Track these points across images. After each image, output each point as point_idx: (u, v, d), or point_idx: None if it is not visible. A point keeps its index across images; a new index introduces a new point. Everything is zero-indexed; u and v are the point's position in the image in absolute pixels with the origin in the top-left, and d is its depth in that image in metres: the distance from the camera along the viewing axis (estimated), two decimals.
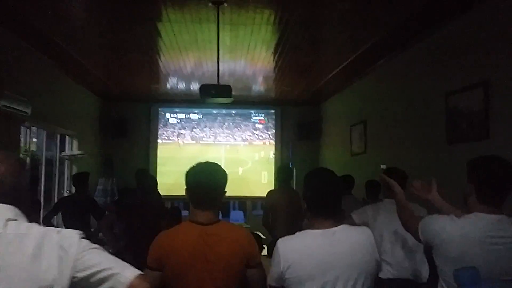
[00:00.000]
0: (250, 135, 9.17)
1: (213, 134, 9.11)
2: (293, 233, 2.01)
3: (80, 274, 1.38)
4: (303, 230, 2.02)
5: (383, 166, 5.56)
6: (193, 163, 2.18)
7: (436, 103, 4.34)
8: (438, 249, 2.02)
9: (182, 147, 8.99)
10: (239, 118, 9.17)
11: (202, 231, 2.05)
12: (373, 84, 6.25)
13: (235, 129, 9.16)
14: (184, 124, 9.08)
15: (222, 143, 9.13)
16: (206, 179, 2.10)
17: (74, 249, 1.40)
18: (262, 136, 9.17)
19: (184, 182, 2.16)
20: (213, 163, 2.22)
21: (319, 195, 1.98)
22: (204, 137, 9.08)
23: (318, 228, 1.94)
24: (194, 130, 9.09)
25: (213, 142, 9.10)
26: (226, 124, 9.15)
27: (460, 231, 1.96)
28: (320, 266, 1.86)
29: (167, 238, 2.08)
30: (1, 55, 4.64)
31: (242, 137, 9.16)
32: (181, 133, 9.07)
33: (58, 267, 1.36)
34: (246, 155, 9.11)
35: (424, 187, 2.43)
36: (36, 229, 1.43)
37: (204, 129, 9.10)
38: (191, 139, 9.08)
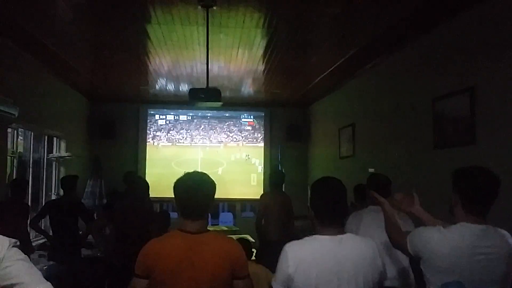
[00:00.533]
0: (239, 137, 9.17)
1: (200, 135, 9.10)
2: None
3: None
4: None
5: (371, 170, 5.64)
6: (179, 171, 2.18)
7: (423, 107, 4.38)
8: (427, 261, 2.04)
9: (163, 148, 8.98)
10: (228, 120, 9.17)
11: (190, 240, 2.05)
12: (362, 87, 6.29)
13: (225, 131, 9.16)
14: (173, 125, 9.05)
15: (206, 144, 9.13)
16: (195, 190, 2.10)
17: (0, 256, 1.51)
18: (251, 138, 9.17)
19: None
20: (201, 173, 2.22)
21: (327, 204, 2.03)
22: (181, 139, 9.07)
23: (325, 235, 1.99)
24: (181, 131, 9.06)
25: (195, 144, 9.09)
26: (210, 126, 9.14)
27: (448, 242, 2.00)
28: (327, 272, 1.90)
29: (155, 246, 2.08)
30: None
31: (230, 138, 9.16)
32: (169, 135, 9.04)
33: None
34: (225, 157, 9.11)
35: (406, 200, 2.45)
36: None
37: (191, 130, 9.08)
38: (177, 140, 9.05)
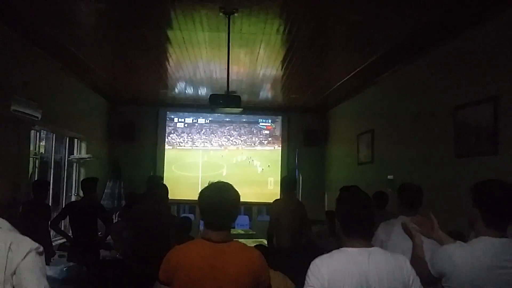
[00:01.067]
0: (256, 141, 9.19)
1: (217, 139, 9.15)
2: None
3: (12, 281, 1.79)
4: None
5: (390, 177, 5.60)
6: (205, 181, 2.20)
7: (444, 115, 4.34)
8: (450, 277, 2.01)
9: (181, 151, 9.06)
10: (246, 124, 9.20)
11: (213, 249, 2.05)
12: (382, 93, 6.25)
13: (243, 135, 9.19)
14: (191, 129, 9.11)
15: (224, 148, 9.17)
16: (219, 201, 2.10)
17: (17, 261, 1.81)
18: (269, 142, 9.19)
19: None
20: (226, 183, 2.21)
21: (356, 216, 2.00)
22: (200, 142, 9.13)
23: (353, 247, 1.97)
24: (199, 134, 9.13)
25: (217, 147, 9.14)
26: (232, 130, 9.18)
27: (470, 257, 1.98)
28: (357, 285, 1.88)
29: (178, 254, 2.08)
30: (12, 59, 4.69)
31: (248, 142, 9.19)
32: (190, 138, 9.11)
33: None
34: (252, 160, 9.14)
35: (425, 224, 2.34)
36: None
37: (210, 134, 9.14)
38: (196, 144, 9.12)
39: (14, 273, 1.83)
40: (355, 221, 2.00)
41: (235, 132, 9.19)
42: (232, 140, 9.18)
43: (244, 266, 2.04)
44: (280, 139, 9.13)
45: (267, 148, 9.20)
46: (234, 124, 9.17)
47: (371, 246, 1.99)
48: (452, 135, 4.21)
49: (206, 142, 9.13)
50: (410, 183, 3.30)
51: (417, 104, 5.06)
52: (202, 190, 2.17)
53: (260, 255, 2.15)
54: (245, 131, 9.20)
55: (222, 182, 2.22)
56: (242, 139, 9.20)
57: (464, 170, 3.99)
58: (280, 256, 4.37)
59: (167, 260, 2.07)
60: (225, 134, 9.17)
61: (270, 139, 9.20)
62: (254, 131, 9.21)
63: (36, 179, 5.58)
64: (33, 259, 1.85)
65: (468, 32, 4.04)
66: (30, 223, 4.32)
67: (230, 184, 2.19)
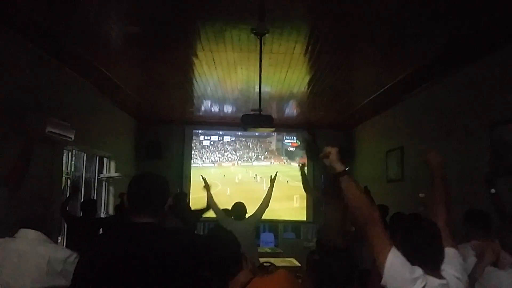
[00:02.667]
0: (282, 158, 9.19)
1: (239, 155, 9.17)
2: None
3: None
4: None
5: (421, 195, 5.48)
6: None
7: (479, 133, 4.26)
8: None
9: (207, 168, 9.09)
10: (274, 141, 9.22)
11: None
12: (411, 109, 6.17)
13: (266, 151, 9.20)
14: (217, 146, 9.16)
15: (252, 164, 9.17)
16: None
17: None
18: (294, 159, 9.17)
19: None
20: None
21: (422, 248, 1.88)
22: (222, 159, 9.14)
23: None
24: (225, 151, 9.16)
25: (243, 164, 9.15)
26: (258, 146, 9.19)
27: None
28: None
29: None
30: (46, 81, 4.81)
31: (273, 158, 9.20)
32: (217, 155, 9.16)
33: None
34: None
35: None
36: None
37: (237, 151, 9.17)
38: (222, 160, 9.15)
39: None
40: (421, 253, 1.86)
41: (261, 148, 9.19)
42: (257, 156, 9.20)
43: None
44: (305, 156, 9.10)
45: (293, 164, 9.16)
46: (260, 139, 9.19)
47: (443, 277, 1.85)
48: (488, 153, 4.12)
49: (232, 159, 9.15)
50: (476, 209, 3.27)
51: (449, 120, 4.98)
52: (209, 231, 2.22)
53: (291, 276, 2.06)
54: (271, 147, 9.20)
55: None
56: (268, 155, 9.20)
57: (500, 190, 3.88)
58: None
59: None
60: (251, 150, 9.19)
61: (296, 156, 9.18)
62: (280, 148, 9.21)
63: (82, 199, 5.76)
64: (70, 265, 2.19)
65: (504, 47, 3.98)
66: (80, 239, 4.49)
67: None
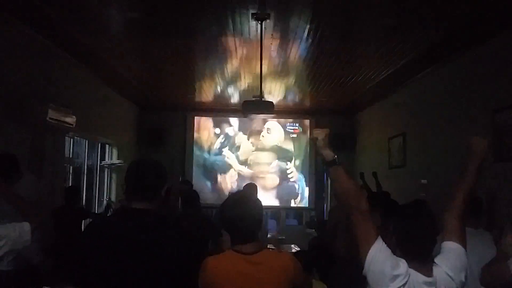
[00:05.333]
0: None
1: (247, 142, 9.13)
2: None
3: None
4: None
5: (424, 181, 5.49)
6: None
7: (482, 118, 4.23)
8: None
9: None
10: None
11: (246, 260, 2.02)
12: (413, 95, 6.14)
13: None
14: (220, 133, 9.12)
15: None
16: (239, 215, 2.05)
17: None
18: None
19: None
20: (245, 194, 2.19)
21: (416, 242, 1.80)
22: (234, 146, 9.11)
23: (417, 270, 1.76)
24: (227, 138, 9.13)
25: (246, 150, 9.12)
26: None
27: None
28: None
29: (213, 265, 2.03)
30: (47, 68, 4.80)
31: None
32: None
33: None
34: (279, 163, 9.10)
35: None
36: None
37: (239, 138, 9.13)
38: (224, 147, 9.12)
39: None
40: (415, 246, 1.79)
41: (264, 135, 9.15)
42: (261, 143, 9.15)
43: (280, 273, 2.01)
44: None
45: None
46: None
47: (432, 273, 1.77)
48: (491, 138, 4.09)
49: (234, 147, 9.12)
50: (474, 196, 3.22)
51: (452, 106, 4.95)
52: (222, 205, 2.15)
53: (292, 258, 2.11)
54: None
55: (241, 193, 2.19)
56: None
57: (504, 175, 3.88)
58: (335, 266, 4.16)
59: (205, 270, 2.01)
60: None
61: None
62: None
63: (69, 185, 5.66)
64: None
65: (507, 31, 3.93)
66: (64, 228, 4.41)
67: (251, 194, 2.17)
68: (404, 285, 1.70)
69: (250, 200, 2.15)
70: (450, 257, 1.80)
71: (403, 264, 1.73)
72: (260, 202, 2.17)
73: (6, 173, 3.10)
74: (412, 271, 1.73)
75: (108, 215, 5.10)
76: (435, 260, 1.79)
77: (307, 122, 9.05)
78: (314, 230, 7.26)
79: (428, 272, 1.74)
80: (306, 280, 2.13)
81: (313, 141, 2.00)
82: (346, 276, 2.10)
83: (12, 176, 3.18)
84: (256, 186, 5.16)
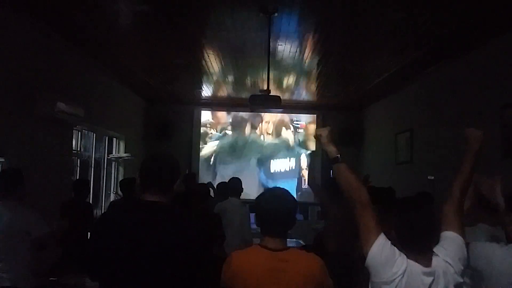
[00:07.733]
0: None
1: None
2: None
3: None
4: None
5: (430, 177, 5.47)
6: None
7: (490, 114, 4.21)
8: (488, 277, 2.00)
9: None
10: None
11: (272, 257, 2.01)
12: (421, 91, 6.11)
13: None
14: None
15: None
16: (277, 208, 2.07)
17: None
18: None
19: None
20: (283, 190, 2.18)
21: (414, 234, 1.81)
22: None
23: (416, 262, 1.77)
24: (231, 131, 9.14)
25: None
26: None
27: (510, 260, 1.98)
28: None
29: (238, 260, 2.05)
30: (55, 61, 4.83)
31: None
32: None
33: None
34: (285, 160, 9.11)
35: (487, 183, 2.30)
36: None
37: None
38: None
39: None
40: (415, 239, 1.80)
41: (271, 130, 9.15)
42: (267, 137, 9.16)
43: (306, 273, 1.99)
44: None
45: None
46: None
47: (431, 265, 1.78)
48: (499, 134, 4.07)
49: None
50: None
51: (460, 102, 4.93)
52: (259, 197, 2.15)
53: (319, 260, 2.08)
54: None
55: (279, 188, 2.19)
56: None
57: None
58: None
59: (228, 265, 2.03)
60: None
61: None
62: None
63: (77, 177, 5.68)
64: None
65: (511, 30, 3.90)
66: (72, 222, 4.40)
67: (287, 191, 2.17)
68: (402, 274, 1.72)
69: (288, 197, 2.16)
70: (449, 246, 1.83)
71: (401, 256, 1.76)
72: (295, 200, 2.16)
73: (12, 188, 3.18)
74: (410, 261, 1.76)
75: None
76: (434, 250, 1.82)
77: (314, 117, 9.04)
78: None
79: (427, 263, 1.76)
80: (331, 284, 2.10)
81: (316, 138, 2.06)
82: (335, 273, 2.11)
83: (18, 190, 3.23)
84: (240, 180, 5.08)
